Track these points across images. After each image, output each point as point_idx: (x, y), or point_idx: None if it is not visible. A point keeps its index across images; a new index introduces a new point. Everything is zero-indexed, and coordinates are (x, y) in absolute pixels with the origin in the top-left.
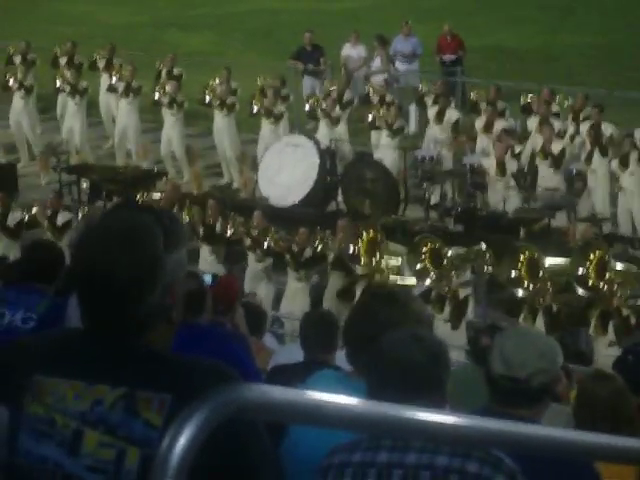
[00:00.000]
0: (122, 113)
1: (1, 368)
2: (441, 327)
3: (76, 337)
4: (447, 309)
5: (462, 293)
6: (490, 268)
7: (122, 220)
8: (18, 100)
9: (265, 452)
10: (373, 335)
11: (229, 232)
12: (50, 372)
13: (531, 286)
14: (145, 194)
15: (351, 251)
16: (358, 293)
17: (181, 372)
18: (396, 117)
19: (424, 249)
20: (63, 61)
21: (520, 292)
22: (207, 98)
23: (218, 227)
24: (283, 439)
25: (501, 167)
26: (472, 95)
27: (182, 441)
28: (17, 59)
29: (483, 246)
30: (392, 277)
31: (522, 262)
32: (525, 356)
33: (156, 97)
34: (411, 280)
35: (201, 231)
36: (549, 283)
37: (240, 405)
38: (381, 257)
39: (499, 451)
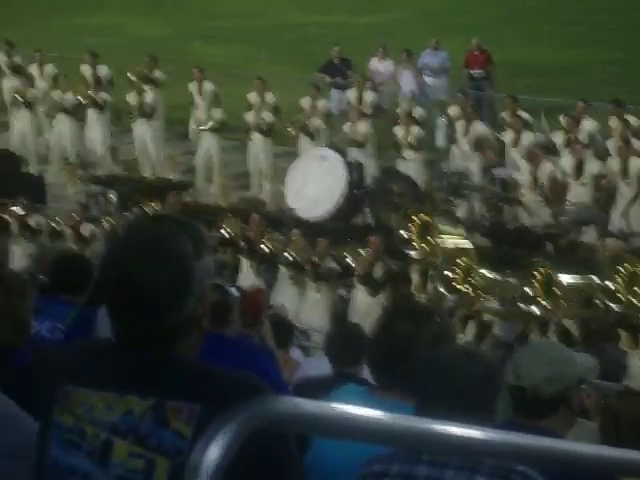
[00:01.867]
0: (143, 126)
1: (31, 379)
2: None
3: (106, 348)
4: (470, 329)
5: (485, 316)
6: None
7: (149, 231)
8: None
9: (294, 463)
10: (398, 350)
11: (263, 245)
12: (80, 383)
13: (545, 303)
14: (148, 205)
15: (406, 236)
16: (414, 278)
17: (211, 383)
18: (420, 132)
19: (458, 261)
20: (88, 72)
21: (534, 309)
22: (247, 121)
23: (257, 240)
24: (307, 451)
25: (535, 180)
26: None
27: (214, 452)
28: (34, 71)
29: (513, 280)
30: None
31: (537, 279)
32: (531, 365)
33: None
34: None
35: (243, 245)
36: (563, 300)
37: (272, 417)
38: (434, 240)
39: (524, 465)
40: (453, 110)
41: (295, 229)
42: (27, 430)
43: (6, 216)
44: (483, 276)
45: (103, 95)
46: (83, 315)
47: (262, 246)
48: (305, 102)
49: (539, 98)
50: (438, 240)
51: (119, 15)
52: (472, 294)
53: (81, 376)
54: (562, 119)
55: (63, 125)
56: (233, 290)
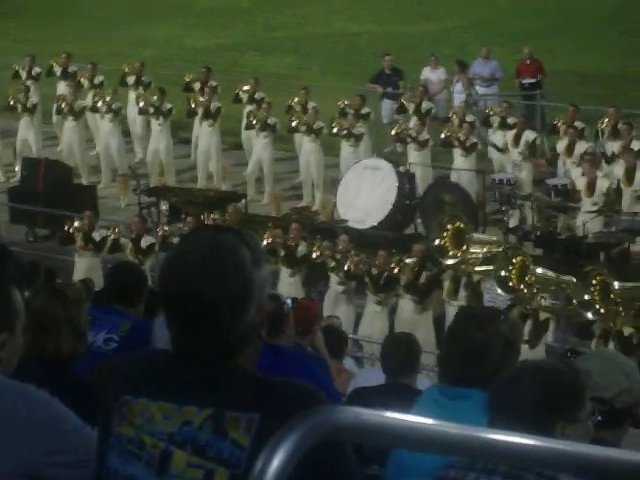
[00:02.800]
0: (203, 136)
1: (90, 389)
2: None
3: (165, 359)
4: (527, 328)
5: (542, 315)
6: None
7: (208, 241)
8: (107, 123)
9: (352, 473)
10: (471, 356)
11: (314, 255)
12: (139, 393)
13: (602, 310)
14: (207, 216)
15: (436, 243)
16: (446, 285)
17: (269, 392)
18: (468, 134)
19: (513, 260)
20: (132, 79)
21: (591, 316)
22: (293, 123)
23: (300, 250)
24: (384, 461)
25: (591, 188)
26: (556, 122)
27: (276, 462)
28: (85, 83)
29: (573, 279)
30: (477, 268)
31: (595, 286)
32: (610, 376)
33: (246, 121)
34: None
35: (282, 253)
36: (621, 307)
37: (333, 427)
38: (468, 248)
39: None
40: (490, 117)
41: (344, 235)
42: (85, 436)
43: (71, 230)
44: (539, 275)
45: (168, 105)
46: (138, 326)
47: (313, 255)
48: (349, 110)
49: (596, 107)
50: (471, 248)
51: (179, 27)
52: (528, 293)
53: (140, 387)
54: (620, 127)
55: (109, 135)
56: (287, 300)
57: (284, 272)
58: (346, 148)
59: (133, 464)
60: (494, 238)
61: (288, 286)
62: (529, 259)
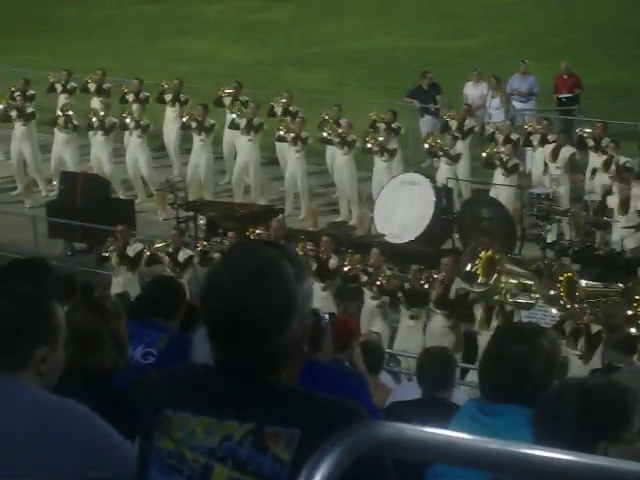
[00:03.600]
0: (243, 149)
1: (130, 403)
2: (575, 362)
3: (205, 373)
4: (580, 344)
5: (594, 328)
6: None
7: (251, 256)
8: (135, 139)
9: None
10: (514, 372)
11: (346, 269)
12: (179, 408)
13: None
14: (252, 231)
15: (468, 268)
16: (478, 315)
17: (310, 408)
18: (511, 155)
19: (560, 278)
20: (170, 97)
21: (634, 331)
22: (325, 134)
23: (331, 263)
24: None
25: (624, 205)
26: (579, 132)
27: (318, 477)
28: (130, 97)
29: (621, 285)
30: (512, 299)
31: (637, 300)
32: None
33: (281, 133)
34: (526, 299)
35: (314, 267)
36: (583, 304)
37: (376, 442)
38: (499, 276)
39: None
40: (531, 135)
41: (375, 248)
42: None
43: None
44: (585, 287)
45: (210, 121)
46: (176, 341)
47: (344, 269)
48: (380, 124)
49: (629, 122)
50: (503, 278)
51: (217, 42)
52: (579, 308)
53: (181, 401)
54: None
55: (137, 149)
56: (325, 315)
57: (315, 286)
58: (380, 163)
59: (174, 478)
60: (525, 271)
61: (320, 300)
62: (576, 275)
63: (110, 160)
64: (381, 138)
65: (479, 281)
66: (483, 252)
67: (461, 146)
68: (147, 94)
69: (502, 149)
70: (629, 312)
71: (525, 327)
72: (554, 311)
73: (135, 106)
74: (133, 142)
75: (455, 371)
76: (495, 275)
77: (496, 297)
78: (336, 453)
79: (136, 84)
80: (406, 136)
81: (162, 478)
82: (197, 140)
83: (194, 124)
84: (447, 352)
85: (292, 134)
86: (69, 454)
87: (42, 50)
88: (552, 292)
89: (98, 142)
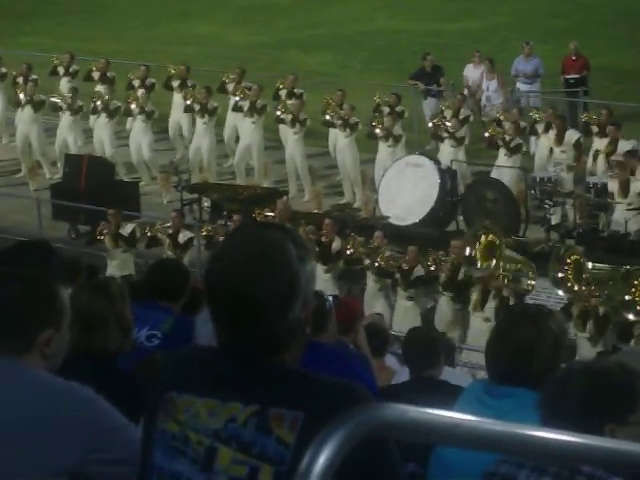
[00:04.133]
0: (246, 132)
1: (134, 385)
2: (584, 344)
3: (209, 355)
4: (589, 326)
5: (602, 310)
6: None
7: (254, 238)
8: (139, 124)
9: (396, 470)
10: (522, 353)
11: (348, 252)
12: (184, 390)
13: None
14: (258, 213)
15: (468, 253)
16: (473, 297)
17: (314, 390)
18: (514, 135)
19: (568, 260)
20: (177, 83)
21: (631, 317)
22: (327, 117)
23: (334, 246)
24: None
25: (624, 188)
26: (584, 117)
27: (322, 459)
28: (136, 83)
29: (628, 267)
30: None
31: (636, 286)
32: None
33: (278, 114)
34: (526, 284)
35: (316, 250)
36: (591, 287)
37: (380, 424)
38: (499, 261)
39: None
40: (536, 124)
41: (378, 232)
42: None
43: (100, 232)
44: (592, 270)
45: (213, 103)
46: (181, 323)
47: (347, 252)
48: (385, 107)
49: (635, 104)
50: (502, 262)
51: (220, 24)
52: (587, 290)
53: (185, 383)
54: None
55: (140, 133)
56: (329, 297)
57: (318, 268)
58: (384, 149)
59: (178, 460)
60: (524, 258)
61: (323, 282)
62: (583, 257)
63: (113, 143)
64: (386, 123)
65: (478, 266)
66: (484, 236)
67: (463, 131)
68: (153, 81)
69: (506, 127)
70: (627, 297)
71: (533, 309)
72: (560, 293)
73: (140, 92)
74: (136, 126)
75: (441, 351)
76: (494, 261)
77: (494, 283)
78: (340, 435)
79: (143, 70)
80: (410, 119)
81: (166, 460)
82: (200, 123)
83: (197, 107)
84: (429, 332)
85: (290, 116)
86: (73, 436)
87: (45, 33)
88: (560, 274)
89: (101, 124)
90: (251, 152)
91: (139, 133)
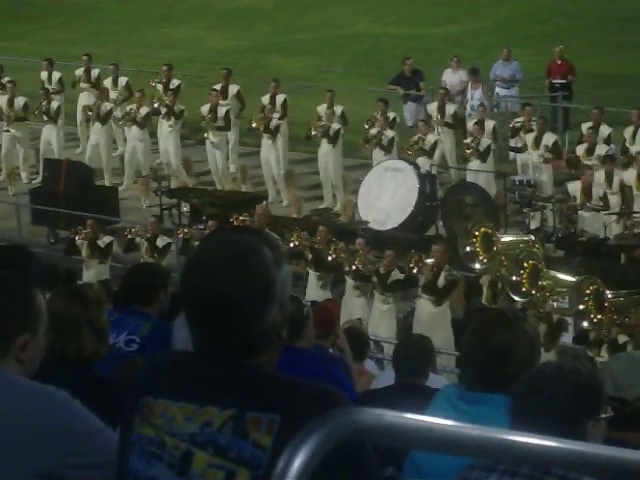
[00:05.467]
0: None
1: (111, 390)
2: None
3: (185, 359)
4: (541, 331)
5: (555, 317)
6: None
7: (229, 241)
8: (135, 127)
9: (373, 474)
10: (499, 357)
11: (330, 257)
12: (159, 394)
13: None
14: (235, 218)
15: (468, 249)
16: (485, 291)
17: (291, 393)
18: (479, 139)
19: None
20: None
21: (585, 323)
22: (313, 132)
23: (323, 253)
24: (400, 463)
25: (587, 192)
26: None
27: (297, 463)
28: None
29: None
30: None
31: (589, 295)
32: (635, 378)
33: (254, 124)
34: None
35: (309, 256)
36: (614, 315)
37: (356, 428)
38: (498, 250)
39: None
40: (520, 130)
41: (359, 238)
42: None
43: (77, 238)
44: (552, 277)
45: (180, 106)
46: (159, 328)
47: (329, 257)
48: (379, 117)
49: (618, 109)
50: (501, 247)
51: (201, 29)
52: (541, 296)
53: (161, 387)
54: None
55: (136, 138)
56: (307, 302)
57: (312, 275)
58: (379, 157)
59: (154, 465)
60: (523, 237)
61: (317, 289)
62: (542, 263)
63: (109, 148)
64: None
65: (481, 258)
66: (476, 231)
67: (446, 134)
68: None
69: (474, 135)
70: (581, 307)
71: (509, 312)
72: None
73: (138, 95)
74: (133, 131)
75: (432, 362)
76: (494, 248)
77: (498, 273)
78: (315, 439)
79: (112, 70)
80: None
81: (142, 465)
82: (166, 125)
83: (164, 110)
84: (423, 339)
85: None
86: (49, 440)
87: (23, 38)
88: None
89: (96, 130)
90: (169, 155)
91: (135, 138)
